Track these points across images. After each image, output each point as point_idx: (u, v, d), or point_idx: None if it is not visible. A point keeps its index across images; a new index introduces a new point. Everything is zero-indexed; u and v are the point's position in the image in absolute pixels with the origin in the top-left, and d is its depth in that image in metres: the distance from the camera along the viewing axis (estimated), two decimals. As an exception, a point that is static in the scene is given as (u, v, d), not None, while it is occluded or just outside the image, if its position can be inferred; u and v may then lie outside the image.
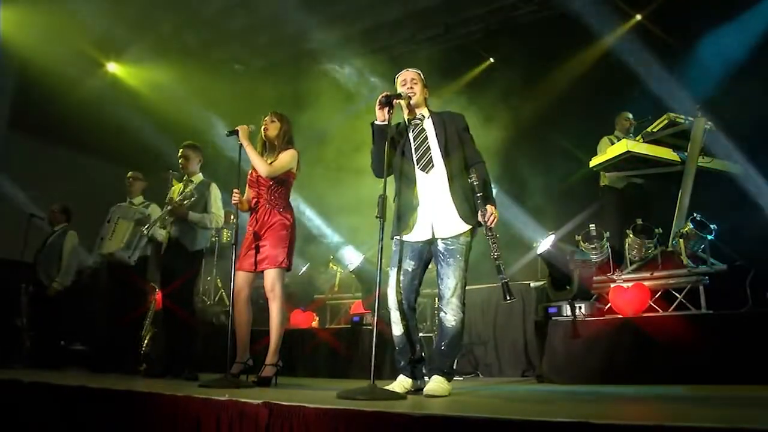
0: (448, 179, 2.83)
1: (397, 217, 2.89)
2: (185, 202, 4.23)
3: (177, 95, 7.98)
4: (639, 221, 4.45)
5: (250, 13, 7.60)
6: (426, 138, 2.91)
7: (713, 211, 4.72)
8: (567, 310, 3.83)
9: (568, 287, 4.00)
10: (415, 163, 2.88)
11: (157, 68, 8.26)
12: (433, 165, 2.86)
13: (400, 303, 2.81)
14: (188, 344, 4.29)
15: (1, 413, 3.04)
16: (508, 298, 2.65)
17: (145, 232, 4.51)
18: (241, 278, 3.57)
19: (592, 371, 3.63)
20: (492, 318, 5.13)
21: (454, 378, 4.71)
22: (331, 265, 6.40)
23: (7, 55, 7.21)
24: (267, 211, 3.58)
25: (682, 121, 4.83)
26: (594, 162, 4.93)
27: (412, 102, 2.96)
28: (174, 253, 4.33)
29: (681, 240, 4.13)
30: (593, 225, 4.57)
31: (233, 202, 3.54)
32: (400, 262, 2.83)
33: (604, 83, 6.26)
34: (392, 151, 2.91)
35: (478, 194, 2.79)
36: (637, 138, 4.99)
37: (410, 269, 2.82)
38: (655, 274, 4.17)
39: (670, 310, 3.96)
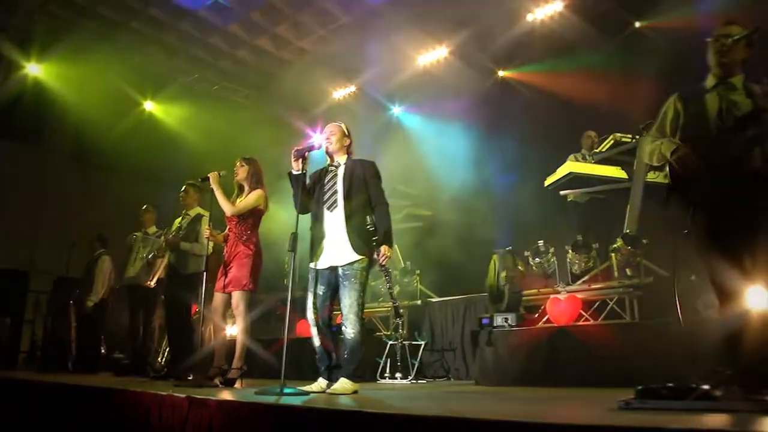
0: (346, 217, 3.40)
1: (310, 247, 3.50)
2: (174, 233, 5.06)
3: (206, 130, 9.00)
4: (579, 237, 4.84)
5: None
6: (335, 183, 3.51)
7: (661, 224, 5.03)
8: (497, 320, 4.29)
9: (500, 301, 4.48)
10: (324, 203, 3.49)
11: (189, 106, 9.36)
12: (336, 205, 3.45)
13: (316, 321, 3.42)
14: (181, 352, 4.95)
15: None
16: (398, 319, 3.21)
17: (146, 257, 5.38)
18: (218, 299, 4.29)
19: (514, 375, 4.09)
20: (460, 327, 5.63)
21: (422, 379, 5.24)
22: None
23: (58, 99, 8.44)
24: (234, 243, 4.27)
25: (628, 140, 5.17)
26: (547, 182, 5.31)
27: (329, 150, 3.58)
28: (172, 277, 5.16)
29: (613, 255, 4.50)
30: (542, 241, 4.98)
31: (205, 236, 4.28)
32: (314, 287, 3.45)
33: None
34: (308, 195, 3.54)
35: (374, 238, 3.35)
36: (589, 157, 5.36)
37: (321, 293, 3.43)
38: (592, 286, 4.56)
39: (599, 319, 4.35)
